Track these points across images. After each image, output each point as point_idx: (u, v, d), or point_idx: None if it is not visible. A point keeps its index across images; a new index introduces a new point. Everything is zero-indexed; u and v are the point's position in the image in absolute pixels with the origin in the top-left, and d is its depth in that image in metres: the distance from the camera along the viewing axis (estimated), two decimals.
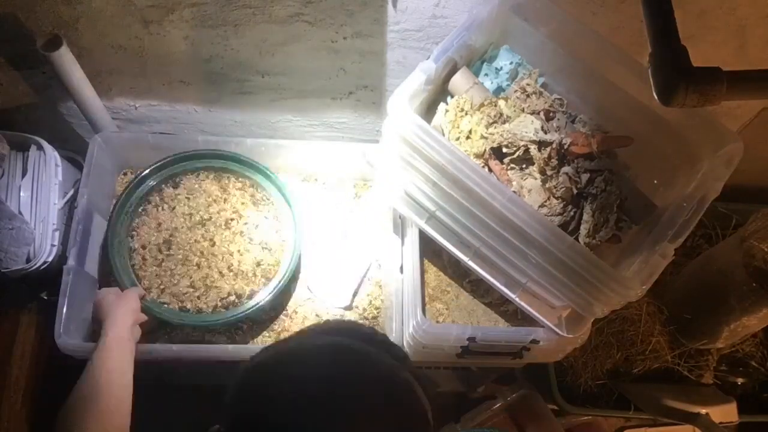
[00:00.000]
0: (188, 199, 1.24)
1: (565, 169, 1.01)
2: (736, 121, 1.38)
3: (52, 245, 1.20)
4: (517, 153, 1.02)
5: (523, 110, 1.05)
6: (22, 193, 1.20)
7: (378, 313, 1.25)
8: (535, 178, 1.02)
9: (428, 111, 1.07)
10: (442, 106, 1.05)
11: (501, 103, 1.04)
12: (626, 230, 1.04)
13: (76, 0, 1.05)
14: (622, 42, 1.02)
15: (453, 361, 1.18)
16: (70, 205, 1.24)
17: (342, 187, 1.36)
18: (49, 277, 1.19)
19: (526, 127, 1.00)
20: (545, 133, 1.01)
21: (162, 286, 1.16)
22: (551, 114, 1.06)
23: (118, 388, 0.89)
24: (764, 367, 1.52)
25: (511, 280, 1.04)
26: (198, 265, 1.18)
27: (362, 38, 1.14)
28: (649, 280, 0.92)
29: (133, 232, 1.20)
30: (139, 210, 1.22)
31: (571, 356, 1.39)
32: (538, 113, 1.05)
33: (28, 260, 1.17)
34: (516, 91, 1.07)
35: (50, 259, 1.19)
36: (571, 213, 1.02)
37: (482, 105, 1.04)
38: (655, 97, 0.67)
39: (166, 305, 1.15)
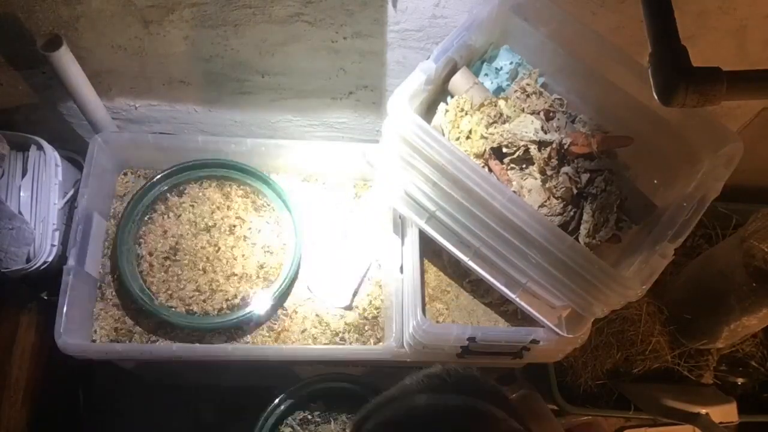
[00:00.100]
0: (193, 206, 1.27)
1: (565, 169, 1.01)
2: (736, 121, 1.38)
3: (52, 245, 1.20)
4: (517, 153, 1.02)
5: (523, 110, 1.05)
6: (22, 193, 1.20)
7: (378, 313, 1.25)
8: (535, 178, 1.02)
9: (428, 111, 1.07)
10: (442, 106, 1.05)
11: (501, 103, 1.04)
12: (626, 230, 1.04)
13: (76, 0, 1.05)
14: (622, 42, 1.02)
15: (453, 361, 1.18)
16: (70, 205, 1.25)
17: (342, 187, 1.36)
18: (49, 277, 1.19)
19: (526, 127, 1.00)
20: (545, 133, 1.01)
21: (169, 291, 1.19)
22: (551, 114, 1.06)
23: None
24: (764, 367, 1.52)
25: (511, 280, 1.04)
26: (204, 270, 1.21)
27: (362, 38, 1.14)
28: (649, 280, 0.92)
29: (140, 240, 1.22)
30: (146, 218, 1.24)
31: (571, 356, 1.39)
32: (538, 113, 1.05)
33: (28, 260, 1.17)
34: (516, 91, 1.07)
35: (50, 259, 1.20)
36: (571, 213, 1.02)
37: (482, 105, 1.04)
38: (655, 97, 0.67)
39: (173, 309, 1.17)
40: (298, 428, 1.22)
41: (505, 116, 1.03)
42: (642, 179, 1.08)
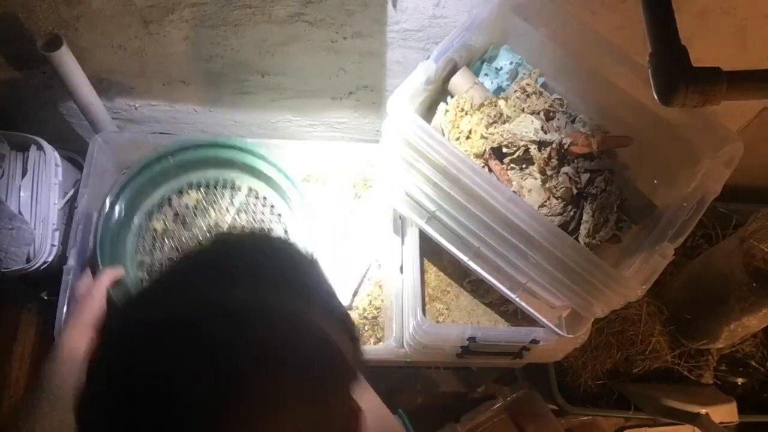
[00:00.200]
0: (196, 209, 1.24)
1: (565, 169, 1.01)
2: (736, 121, 1.38)
3: (52, 245, 1.20)
4: (517, 153, 1.02)
5: (523, 110, 1.05)
6: (22, 193, 1.20)
7: (378, 313, 1.25)
8: (535, 178, 1.02)
9: (428, 111, 1.07)
10: (442, 106, 1.05)
11: (501, 103, 1.04)
12: (626, 230, 1.04)
13: (76, 0, 1.05)
14: (622, 42, 1.02)
15: (453, 361, 1.18)
16: (70, 205, 1.25)
17: (342, 187, 1.36)
18: (49, 277, 1.19)
19: (526, 127, 1.00)
20: (545, 133, 1.01)
21: None
22: (551, 114, 1.06)
23: (61, 411, 0.79)
24: (764, 367, 1.52)
25: (511, 280, 1.04)
26: None
27: (362, 38, 1.14)
28: (649, 280, 0.92)
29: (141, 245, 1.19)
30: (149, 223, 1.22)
31: (571, 356, 1.39)
32: (538, 113, 1.05)
33: (28, 260, 1.17)
34: (516, 91, 1.07)
35: (50, 259, 1.20)
36: (571, 213, 1.02)
37: (482, 105, 1.04)
38: (655, 97, 0.67)
39: None
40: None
41: (505, 116, 1.03)
42: (642, 179, 1.08)
